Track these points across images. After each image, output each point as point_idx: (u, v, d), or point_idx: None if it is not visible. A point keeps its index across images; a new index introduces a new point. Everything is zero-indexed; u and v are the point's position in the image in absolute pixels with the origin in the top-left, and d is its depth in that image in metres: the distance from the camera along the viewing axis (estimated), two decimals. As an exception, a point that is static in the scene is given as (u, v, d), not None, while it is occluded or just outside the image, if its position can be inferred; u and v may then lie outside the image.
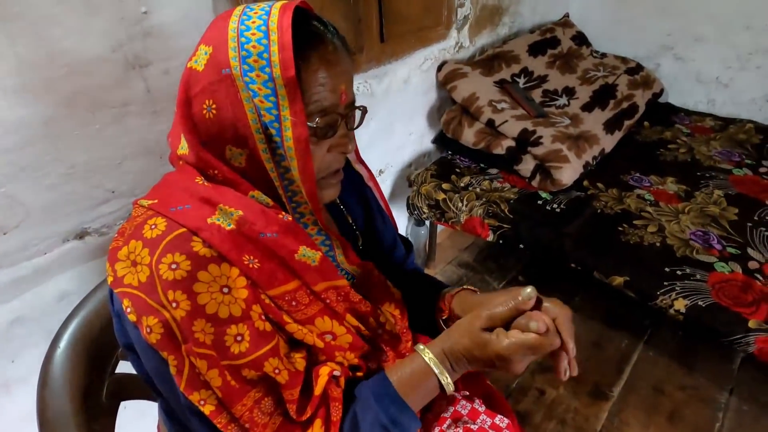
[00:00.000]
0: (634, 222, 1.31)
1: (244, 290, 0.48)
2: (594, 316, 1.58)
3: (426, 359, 0.53)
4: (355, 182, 0.69)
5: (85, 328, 0.67)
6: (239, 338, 0.47)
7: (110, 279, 0.47)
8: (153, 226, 0.47)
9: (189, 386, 0.46)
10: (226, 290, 0.47)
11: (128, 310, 0.46)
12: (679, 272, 1.14)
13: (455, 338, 0.53)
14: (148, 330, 0.45)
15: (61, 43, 0.72)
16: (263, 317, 0.49)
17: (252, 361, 0.47)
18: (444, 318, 0.67)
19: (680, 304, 1.09)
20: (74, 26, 0.73)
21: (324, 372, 0.53)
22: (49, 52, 0.72)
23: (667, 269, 1.15)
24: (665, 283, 1.12)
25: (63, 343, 0.65)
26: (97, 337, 0.67)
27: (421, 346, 0.54)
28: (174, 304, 0.44)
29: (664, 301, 1.11)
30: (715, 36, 1.88)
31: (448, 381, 0.53)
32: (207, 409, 0.47)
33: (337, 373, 0.53)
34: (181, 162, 0.53)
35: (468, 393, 0.75)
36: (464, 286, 0.67)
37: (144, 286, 0.45)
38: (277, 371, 0.49)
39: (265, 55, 0.44)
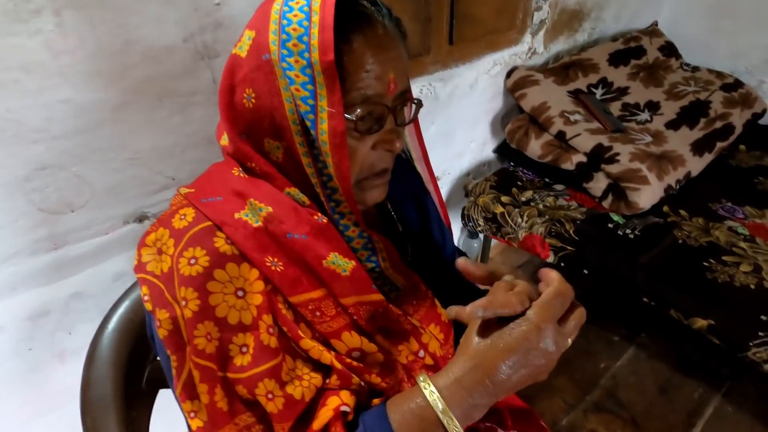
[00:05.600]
0: (724, 258, 1.15)
1: (259, 296, 0.44)
2: (662, 357, 1.42)
3: (426, 395, 0.41)
4: (413, 184, 0.63)
5: (133, 313, 0.67)
6: (244, 349, 0.43)
7: (135, 263, 0.46)
8: (182, 217, 0.46)
9: (184, 392, 0.44)
10: (240, 293, 0.43)
11: (145, 298, 0.45)
12: (779, 322, 0.98)
13: (479, 354, 0.41)
14: (158, 324, 0.43)
15: (138, 31, 0.74)
16: (271, 330, 0.44)
17: (248, 379, 0.43)
18: None
19: (779, 361, 0.93)
20: (151, 15, 0.74)
21: (331, 404, 0.45)
22: (126, 40, 0.74)
23: (763, 317, 0.99)
24: (761, 334, 0.97)
25: (111, 325, 0.66)
26: (143, 322, 0.67)
27: (422, 378, 0.42)
28: (183, 302, 0.42)
29: (758, 355, 0.95)
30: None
31: (455, 425, 0.40)
32: (195, 424, 0.44)
33: (346, 408, 0.45)
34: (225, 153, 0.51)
35: (519, 435, 0.68)
36: None
37: (165, 276, 0.44)
38: (270, 396, 0.43)
39: (305, 38, 0.40)
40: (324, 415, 0.44)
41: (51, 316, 0.85)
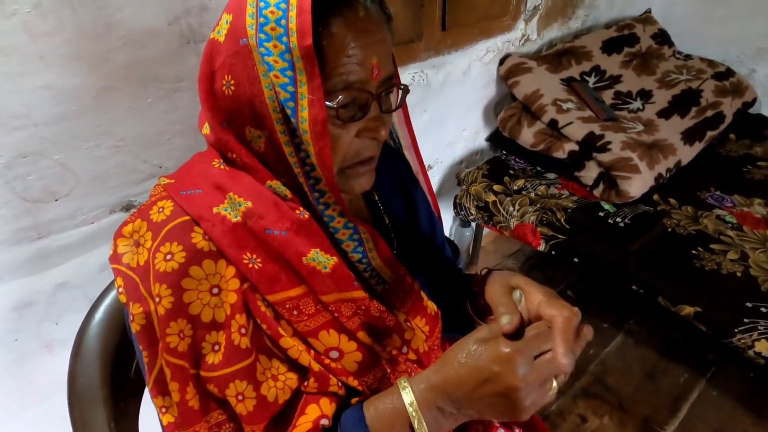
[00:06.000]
0: (711, 246, 1.17)
1: (233, 294, 0.43)
2: (650, 343, 1.44)
3: (400, 389, 0.43)
4: (401, 173, 0.62)
5: (120, 302, 0.66)
6: (216, 347, 0.43)
7: (110, 252, 0.45)
8: (161, 209, 0.45)
9: (155, 388, 0.44)
10: (215, 291, 0.43)
11: (120, 290, 0.44)
12: (763, 309, 1.00)
13: (448, 365, 0.42)
14: (131, 318, 0.43)
15: (120, 13, 0.71)
16: (242, 331, 0.43)
17: (218, 378, 0.43)
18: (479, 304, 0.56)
19: (763, 347, 0.95)
20: (134, -4, 0.72)
21: (311, 413, 0.45)
22: (108, 22, 0.71)
23: (749, 304, 1.01)
24: (746, 320, 0.98)
25: (98, 315, 0.65)
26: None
27: (404, 380, 0.44)
28: (158, 299, 0.42)
29: (743, 341, 0.97)
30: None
31: (419, 419, 0.42)
32: (166, 419, 0.44)
33: (325, 422, 0.45)
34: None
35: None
36: (494, 267, 0.57)
37: (141, 269, 0.43)
38: (240, 398, 0.43)
39: (283, 21, 0.38)
40: (302, 427, 0.44)
41: (37, 307, 0.83)
